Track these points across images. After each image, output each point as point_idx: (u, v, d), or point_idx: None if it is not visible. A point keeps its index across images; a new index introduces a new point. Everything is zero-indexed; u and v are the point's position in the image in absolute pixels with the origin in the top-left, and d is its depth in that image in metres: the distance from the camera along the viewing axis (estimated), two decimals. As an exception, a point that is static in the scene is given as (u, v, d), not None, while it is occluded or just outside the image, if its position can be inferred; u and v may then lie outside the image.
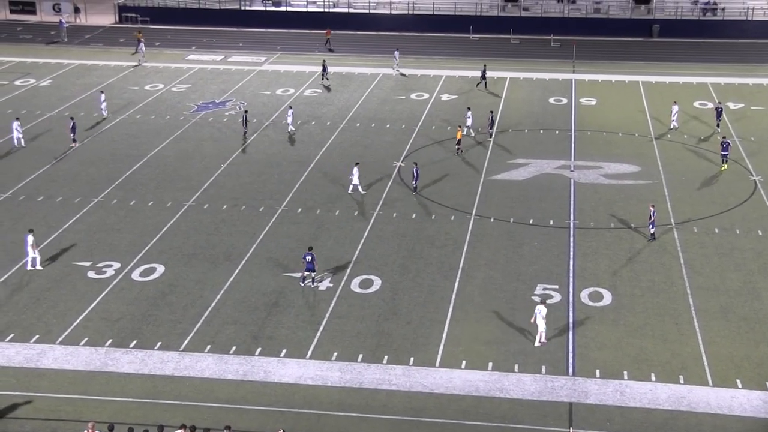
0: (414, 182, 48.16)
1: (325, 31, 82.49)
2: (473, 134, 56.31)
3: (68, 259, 40.73)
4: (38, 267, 39.75)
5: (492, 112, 57.81)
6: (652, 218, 42.17)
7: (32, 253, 39.77)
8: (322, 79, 69.51)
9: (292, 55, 79.42)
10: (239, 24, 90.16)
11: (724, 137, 52.77)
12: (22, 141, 54.92)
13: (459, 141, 54.00)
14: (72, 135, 55.25)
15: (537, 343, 33.85)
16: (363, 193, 47.80)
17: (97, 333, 34.78)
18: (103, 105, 60.76)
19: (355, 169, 47.82)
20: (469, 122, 56.45)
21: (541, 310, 33.80)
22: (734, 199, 47.36)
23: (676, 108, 58.57)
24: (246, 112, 58.64)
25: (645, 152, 54.50)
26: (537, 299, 36.97)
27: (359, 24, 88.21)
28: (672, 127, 58.22)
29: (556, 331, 34.72)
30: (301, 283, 38.38)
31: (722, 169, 51.17)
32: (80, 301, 37.10)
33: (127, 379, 31.88)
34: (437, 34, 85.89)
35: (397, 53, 73.63)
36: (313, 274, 38.16)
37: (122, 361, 32.92)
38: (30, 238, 39.70)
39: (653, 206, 42.87)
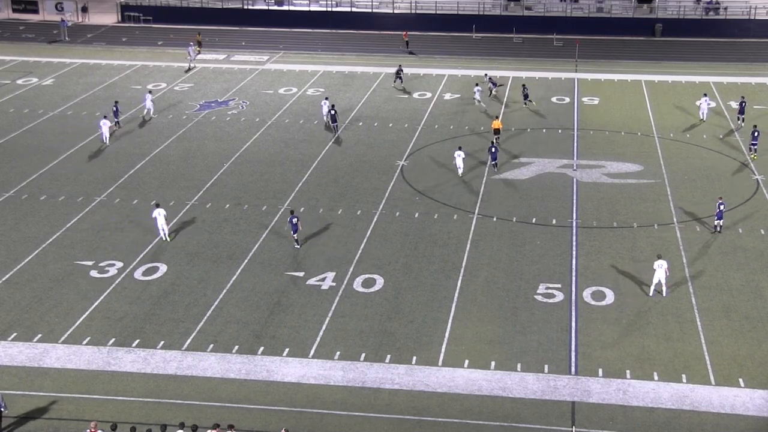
0: (493, 161, 50.91)
1: (402, 33, 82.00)
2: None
3: (71, 258, 40.77)
4: (166, 238, 42.33)
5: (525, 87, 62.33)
6: (719, 210, 42.58)
7: (163, 226, 42.18)
8: (401, 81, 68.18)
9: (294, 54, 79.46)
10: (242, 23, 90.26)
11: (755, 126, 53.40)
12: (108, 139, 55.63)
13: (497, 131, 55.26)
14: (116, 118, 57.81)
15: (651, 293, 37.10)
16: (460, 175, 49.60)
17: (100, 332, 34.79)
18: (150, 105, 60.53)
19: (458, 152, 49.52)
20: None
21: (662, 264, 36.59)
22: (737, 198, 47.30)
23: (706, 101, 59.62)
24: (332, 106, 58.80)
25: (647, 151, 54.46)
26: (539, 298, 37.03)
27: (362, 23, 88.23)
28: (701, 119, 59.45)
29: (558, 331, 34.76)
30: (297, 246, 41.36)
31: (752, 157, 52.23)
32: (83, 301, 37.12)
33: (130, 378, 31.89)
34: (440, 33, 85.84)
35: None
36: (296, 235, 41.30)
37: (125, 361, 32.94)
38: (158, 212, 42.25)
39: (720, 198, 43.31)
